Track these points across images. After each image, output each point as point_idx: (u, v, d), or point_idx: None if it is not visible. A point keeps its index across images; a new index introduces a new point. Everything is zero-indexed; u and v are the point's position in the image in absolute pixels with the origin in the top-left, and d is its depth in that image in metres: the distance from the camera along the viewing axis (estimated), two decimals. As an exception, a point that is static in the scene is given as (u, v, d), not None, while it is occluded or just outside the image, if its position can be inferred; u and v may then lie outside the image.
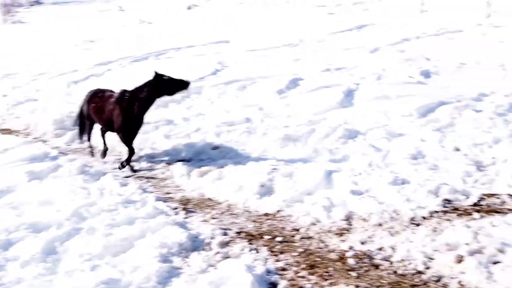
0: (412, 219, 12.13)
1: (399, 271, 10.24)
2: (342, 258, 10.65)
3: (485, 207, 12.64)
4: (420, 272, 10.18)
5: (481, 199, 13.04)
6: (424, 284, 9.84)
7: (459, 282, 9.80)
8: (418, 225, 11.79)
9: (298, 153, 15.59)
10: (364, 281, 9.87)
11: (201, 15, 46.44)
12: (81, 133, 14.44)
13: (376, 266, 10.36)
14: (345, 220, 12.11)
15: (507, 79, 21.99)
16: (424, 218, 12.10)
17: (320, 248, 11.07)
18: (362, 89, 21.19)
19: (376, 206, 12.47)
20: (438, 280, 9.91)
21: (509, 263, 10.17)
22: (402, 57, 26.47)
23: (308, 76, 23.47)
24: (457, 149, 15.59)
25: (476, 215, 12.16)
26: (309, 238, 11.50)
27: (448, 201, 12.89)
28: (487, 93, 20.19)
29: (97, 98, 13.36)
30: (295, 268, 10.35)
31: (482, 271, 9.99)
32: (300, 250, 11.03)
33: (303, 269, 10.32)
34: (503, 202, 12.82)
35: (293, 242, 11.36)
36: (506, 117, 17.79)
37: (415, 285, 9.79)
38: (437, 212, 12.38)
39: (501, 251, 10.52)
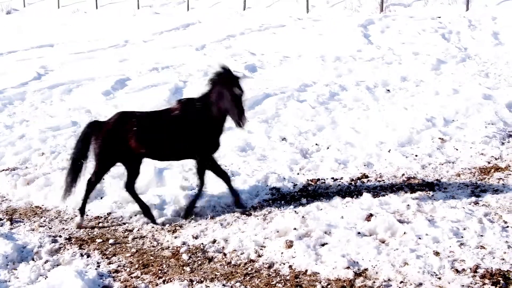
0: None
1: (233, 262, 10.38)
2: (175, 254, 10.62)
3: (311, 192, 13.13)
4: (252, 261, 10.36)
5: (308, 184, 13.54)
6: (257, 271, 10.04)
7: (290, 267, 10.10)
8: (249, 215, 11.98)
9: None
10: (198, 274, 9.90)
11: (22, 20, 44.38)
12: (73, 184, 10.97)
13: (210, 259, 10.44)
14: (178, 216, 12.07)
15: (327, 70, 23.05)
16: (254, 208, 12.33)
17: (154, 247, 10.97)
18: (189, 86, 21.27)
19: (208, 200, 12.55)
20: (270, 267, 10.15)
21: (335, 244, 10.63)
22: (228, 53, 26.93)
23: (135, 76, 23.20)
24: (284, 139, 16.09)
25: (303, 200, 12.59)
26: (142, 237, 11.36)
27: (276, 189, 13.24)
28: (309, 83, 21.05)
29: (143, 121, 10.38)
30: (128, 269, 10.16)
31: (311, 253, 10.35)
32: (133, 250, 10.87)
33: (137, 269, 10.17)
34: (328, 186, 13.40)
35: (126, 243, 11.16)
36: (328, 106, 18.64)
37: (248, 274, 9.96)
38: (266, 200, 12.68)
39: (327, 232, 10.97)
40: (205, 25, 35.51)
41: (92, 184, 10.52)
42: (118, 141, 9.94)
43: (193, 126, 10.08)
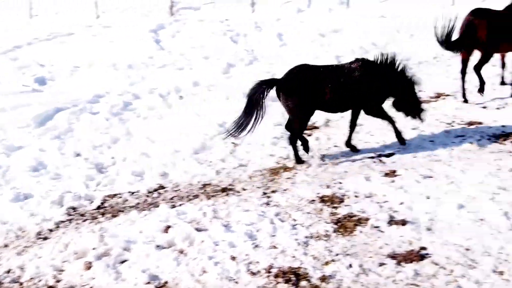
0: (39, 233, 12.02)
1: (30, 291, 10.07)
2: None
3: (109, 209, 13.07)
4: (51, 287, 10.12)
5: (105, 201, 13.45)
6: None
7: (91, 288, 10.01)
8: (45, 238, 11.71)
9: None
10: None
11: None
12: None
13: (5, 291, 10.04)
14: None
15: (119, 78, 22.92)
16: (51, 230, 12.05)
17: None
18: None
19: (0, 227, 12.05)
20: (69, 291, 9.99)
21: (135, 260, 10.72)
22: (15, 65, 25.73)
23: None
24: (78, 154, 15.80)
25: (101, 218, 12.50)
26: None
27: (73, 208, 13.03)
28: (102, 94, 20.82)
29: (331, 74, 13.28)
30: None
31: (111, 272, 10.35)
32: None
33: None
34: (125, 201, 13.42)
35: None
36: (122, 116, 18.57)
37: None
38: (63, 221, 12.42)
39: (126, 249, 11.01)
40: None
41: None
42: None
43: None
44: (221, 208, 12.49)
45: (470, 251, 10.85)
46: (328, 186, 13.59)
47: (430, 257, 10.55)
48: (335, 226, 11.81)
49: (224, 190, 13.86)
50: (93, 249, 10.94)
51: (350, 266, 10.49)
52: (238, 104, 18.93)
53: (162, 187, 14.58)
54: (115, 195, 14.11)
